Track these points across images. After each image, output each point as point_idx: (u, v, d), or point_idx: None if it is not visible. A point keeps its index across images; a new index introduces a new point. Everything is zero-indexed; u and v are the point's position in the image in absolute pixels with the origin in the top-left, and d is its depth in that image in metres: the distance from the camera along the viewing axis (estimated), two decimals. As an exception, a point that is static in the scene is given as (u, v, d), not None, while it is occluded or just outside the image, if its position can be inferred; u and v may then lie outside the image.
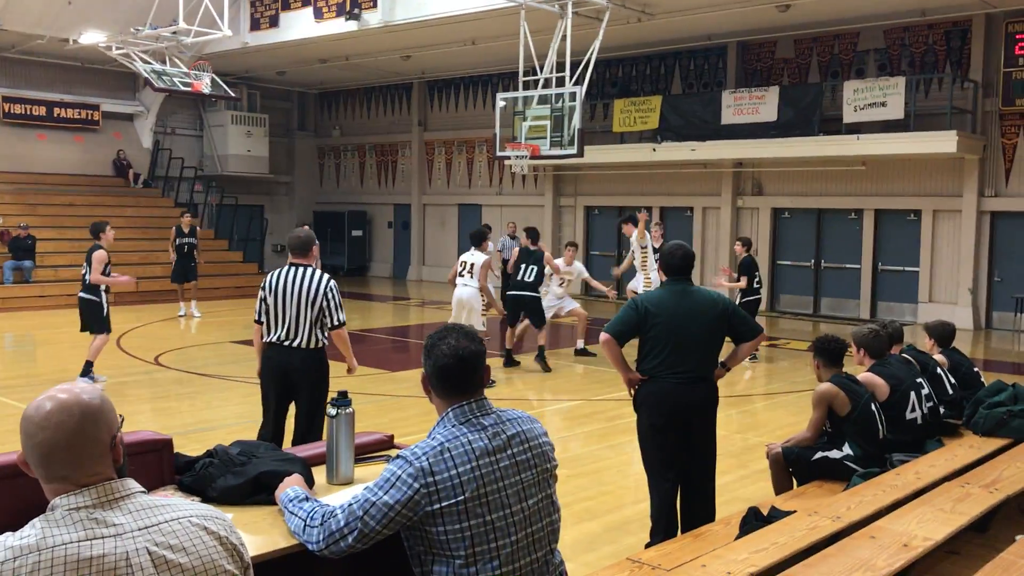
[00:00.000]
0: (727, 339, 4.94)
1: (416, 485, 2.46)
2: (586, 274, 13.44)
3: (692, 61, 19.79)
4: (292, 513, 2.68)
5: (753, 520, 3.94)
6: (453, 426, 2.57)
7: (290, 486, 2.82)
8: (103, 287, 9.92)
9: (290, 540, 2.72)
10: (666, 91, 19.75)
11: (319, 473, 3.24)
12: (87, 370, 10.05)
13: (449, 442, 2.52)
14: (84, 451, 1.81)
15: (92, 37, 18.05)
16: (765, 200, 18.82)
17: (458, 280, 10.47)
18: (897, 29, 16.99)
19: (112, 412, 1.88)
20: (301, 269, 5.80)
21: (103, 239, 10.00)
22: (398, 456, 2.55)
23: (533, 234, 11.64)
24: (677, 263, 4.88)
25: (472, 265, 10.37)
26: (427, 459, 2.48)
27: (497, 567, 2.47)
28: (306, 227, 6.31)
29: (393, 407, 9.21)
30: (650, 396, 4.83)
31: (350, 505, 2.54)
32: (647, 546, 4.61)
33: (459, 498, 2.45)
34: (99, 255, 9.77)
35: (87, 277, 9.83)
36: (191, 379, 10.60)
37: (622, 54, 19.81)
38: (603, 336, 4.85)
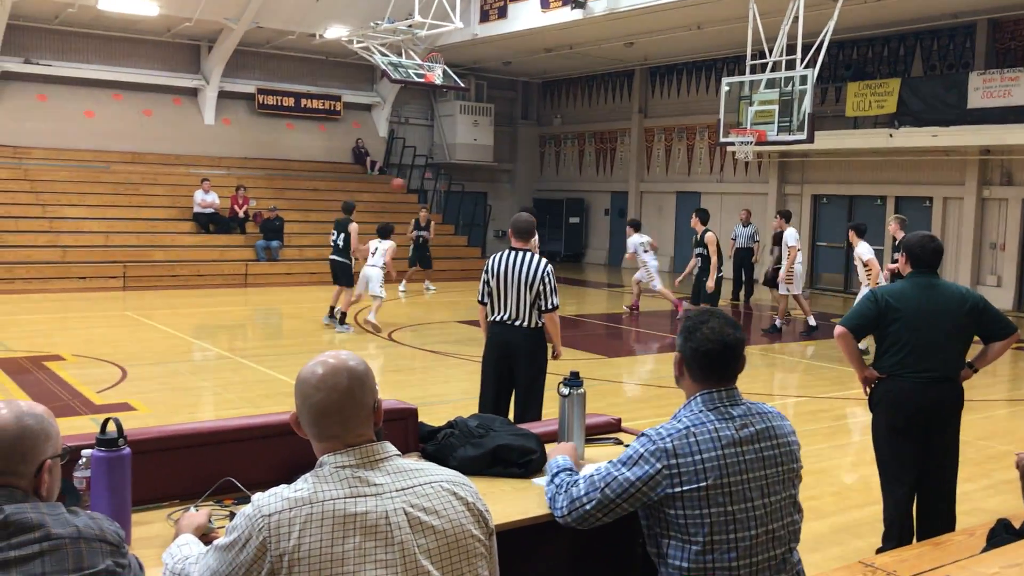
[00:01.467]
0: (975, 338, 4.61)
1: (659, 465, 2.47)
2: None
3: (935, 40, 18.45)
4: (551, 479, 2.78)
5: (1003, 532, 3.67)
6: (700, 411, 2.55)
7: (562, 453, 2.93)
8: (352, 250, 12.69)
9: (525, 513, 2.83)
10: (905, 73, 18.54)
11: (551, 451, 3.34)
12: (342, 319, 12.70)
13: (695, 427, 2.51)
14: (352, 413, 1.95)
15: (336, 32, 19.29)
16: (1016, 191, 17.28)
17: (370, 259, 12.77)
18: None
19: (373, 379, 2.02)
20: (521, 253, 5.99)
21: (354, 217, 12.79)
22: (643, 434, 2.57)
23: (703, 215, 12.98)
24: (928, 256, 4.57)
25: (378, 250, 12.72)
26: (671, 440, 2.49)
27: (734, 558, 2.45)
28: (526, 214, 6.48)
29: (608, 392, 9.29)
30: (888, 395, 4.58)
31: (591, 476, 2.61)
32: (879, 551, 4.41)
33: (701, 484, 2.45)
34: (356, 227, 12.67)
35: (338, 243, 12.71)
36: (421, 355, 11.17)
37: (857, 35, 18.78)
38: (838, 329, 4.62)
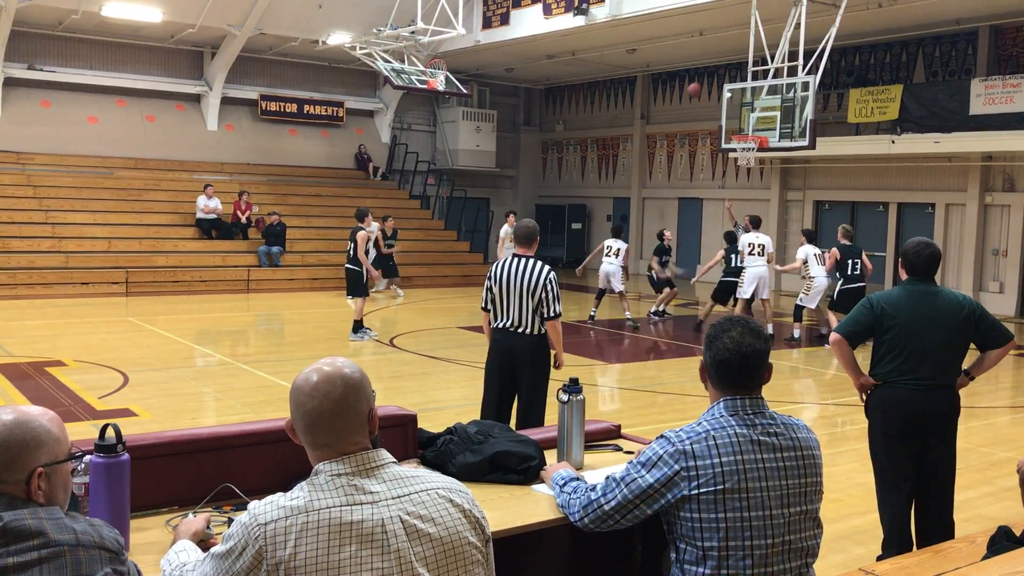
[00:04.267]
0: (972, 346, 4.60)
1: (677, 467, 2.47)
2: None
3: (937, 47, 18.47)
4: (561, 489, 2.81)
5: (1004, 540, 3.66)
6: (722, 416, 2.55)
7: (561, 468, 2.97)
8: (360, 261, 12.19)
9: (523, 519, 2.83)
10: (907, 79, 18.56)
11: (550, 457, 3.34)
12: (357, 327, 12.27)
13: (716, 431, 2.50)
14: (346, 421, 1.95)
15: (338, 38, 19.35)
16: (1018, 197, 17.27)
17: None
18: None
19: (369, 386, 2.03)
20: (524, 260, 5.98)
21: (366, 223, 12.28)
22: (661, 436, 2.57)
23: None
24: (923, 263, 4.55)
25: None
26: (690, 443, 2.49)
27: (749, 566, 2.43)
28: (529, 220, 6.50)
29: (608, 399, 9.29)
30: (884, 402, 4.57)
31: (609, 478, 2.63)
32: (879, 558, 4.40)
33: (718, 487, 2.43)
34: (362, 235, 12.05)
35: (350, 251, 12.19)
36: (421, 361, 11.17)
37: (859, 41, 18.81)
38: (833, 336, 4.62)
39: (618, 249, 14.45)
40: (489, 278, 6.11)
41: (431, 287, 18.05)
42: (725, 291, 13.96)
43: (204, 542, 2.42)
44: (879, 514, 4.71)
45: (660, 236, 15.87)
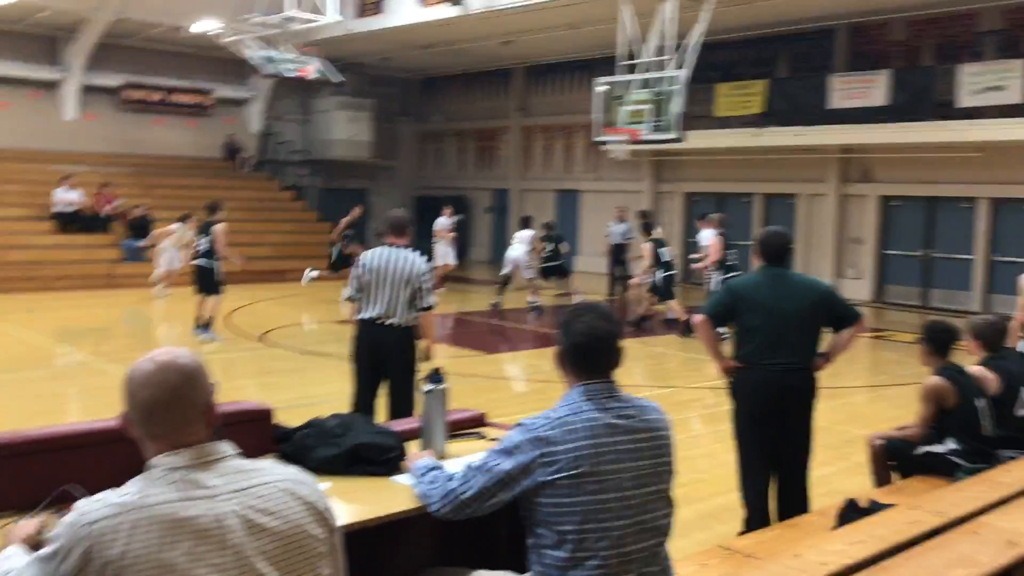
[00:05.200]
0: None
1: (534, 454, 2.49)
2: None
3: (799, 44, 19.26)
4: (420, 478, 2.80)
5: (851, 512, 3.85)
6: (578, 402, 2.59)
7: (422, 457, 2.95)
8: (216, 256, 11.39)
9: (383, 510, 2.80)
10: (771, 75, 19.28)
11: (413, 447, 3.31)
12: (207, 327, 11.49)
13: (572, 416, 2.54)
14: (182, 411, 1.88)
15: (205, 25, 18.69)
16: (873, 187, 18.21)
17: None
18: (1019, 8, 16.14)
19: (208, 376, 1.95)
20: (399, 250, 5.91)
21: (219, 216, 11.54)
22: (519, 424, 2.59)
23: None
24: (775, 251, 4.75)
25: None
26: (547, 429, 2.52)
27: (605, 547, 2.47)
28: (400, 209, 6.43)
29: (487, 388, 9.31)
30: (747, 384, 4.73)
31: (467, 467, 2.63)
32: (740, 534, 4.56)
33: (574, 471, 2.46)
34: (221, 228, 11.33)
35: (201, 246, 11.39)
36: (294, 356, 10.93)
37: (726, 37, 19.40)
38: (697, 317, 4.80)
39: (525, 237, 15.10)
40: (360, 267, 5.98)
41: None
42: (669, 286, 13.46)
43: (38, 547, 2.28)
44: (740, 493, 4.88)
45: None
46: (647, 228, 13.24)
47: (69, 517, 1.79)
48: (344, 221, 16.63)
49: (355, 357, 6.14)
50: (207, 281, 11.47)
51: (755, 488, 4.77)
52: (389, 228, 6.02)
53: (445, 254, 17.01)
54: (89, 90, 21.35)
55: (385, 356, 5.96)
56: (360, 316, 6.01)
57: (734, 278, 11.85)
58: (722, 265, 12.13)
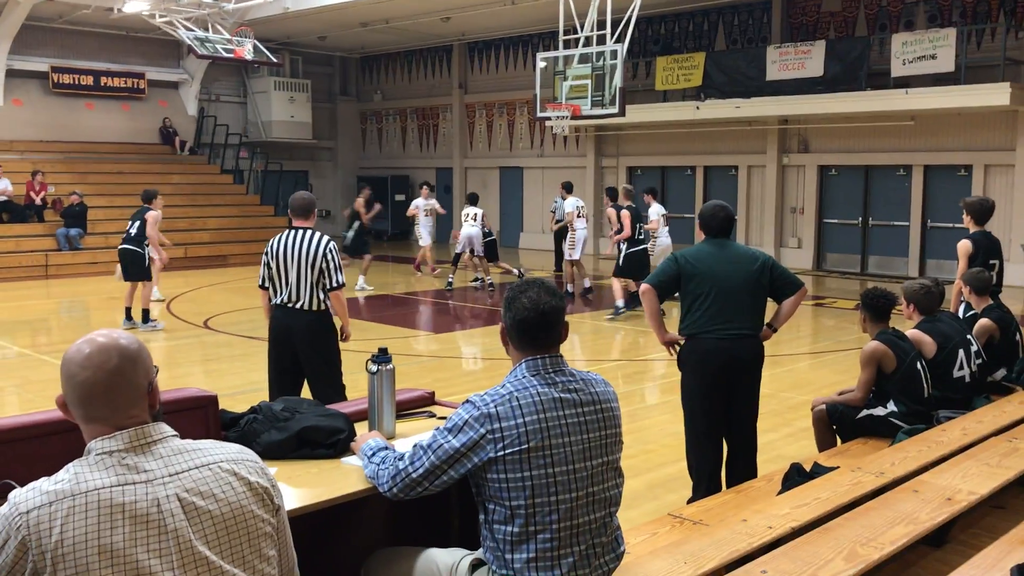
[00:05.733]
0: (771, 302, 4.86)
1: (482, 430, 2.50)
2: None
3: (736, 16, 19.42)
4: (369, 460, 2.78)
5: (796, 476, 3.93)
6: (524, 377, 2.59)
7: (370, 438, 2.92)
8: (146, 241, 11.17)
9: (333, 493, 2.78)
10: (709, 48, 19.43)
11: (361, 428, 3.29)
12: (146, 318, 11.27)
13: (519, 392, 2.55)
14: (121, 393, 1.84)
15: (136, 5, 18.18)
16: (811, 157, 18.51)
17: None
18: (949, -22, 16.50)
19: (148, 358, 1.92)
20: (301, 232, 5.78)
21: (155, 205, 11.38)
22: (467, 401, 2.59)
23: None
24: (718, 224, 4.79)
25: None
26: (495, 406, 2.52)
27: (556, 520, 2.49)
28: (304, 191, 6.30)
29: (435, 367, 9.29)
30: (694, 354, 4.78)
31: (416, 446, 2.63)
32: (689, 502, 4.62)
33: (522, 447, 2.48)
34: (155, 215, 11.20)
35: (132, 231, 11.17)
36: (239, 342, 10.78)
37: (664, 11, 19.50)
38: (643, 287, 4.82)
39: (475, 214, 15.01)
40: (266, 254, 5.84)
41: (248, 265, 17.37)
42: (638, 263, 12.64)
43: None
44: (687, 462, 4.94)
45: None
46: (612, 195, 13.11)
47: (3, 508, 1.75)
48: (359, 202, 16.10)
49: (269, 344, 6.02)
50: (137, 266, 11.22)
51: (705, 456, 4.83)
52: (292, 210, 5.90)
53: (423, 236, 16.76)
54: (15, 74, 20.69)
55: (297, 341, 5.82)
56: (272, 303, 5.89)
57: (641, 251, 12.15)
58: (632, 239, 12.10)
